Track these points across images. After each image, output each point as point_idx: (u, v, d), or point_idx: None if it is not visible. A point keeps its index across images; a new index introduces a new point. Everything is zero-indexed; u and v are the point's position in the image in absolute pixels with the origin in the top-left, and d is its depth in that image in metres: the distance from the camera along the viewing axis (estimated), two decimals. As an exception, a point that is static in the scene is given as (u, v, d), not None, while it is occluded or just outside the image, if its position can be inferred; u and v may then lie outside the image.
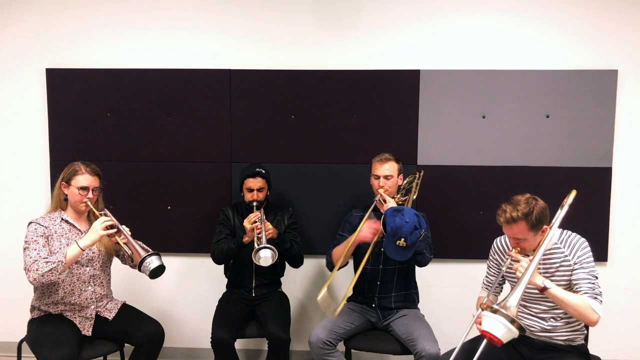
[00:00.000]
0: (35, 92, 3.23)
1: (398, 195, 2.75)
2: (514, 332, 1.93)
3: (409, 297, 2.75)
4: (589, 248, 2.19)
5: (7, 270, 3.25)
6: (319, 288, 3.26)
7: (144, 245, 2.40)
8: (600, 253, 3.07)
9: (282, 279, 3.04)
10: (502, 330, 1.92)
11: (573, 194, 2.30)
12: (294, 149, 3.18)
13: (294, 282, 3.29)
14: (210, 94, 3.17)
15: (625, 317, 3.20)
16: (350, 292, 2.57)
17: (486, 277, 2.50)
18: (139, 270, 2.34)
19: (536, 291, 2.13)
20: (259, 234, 2.58)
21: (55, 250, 2.37)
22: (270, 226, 2.68)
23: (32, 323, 2.49)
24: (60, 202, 2.50)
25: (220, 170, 3.21)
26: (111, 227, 2.36)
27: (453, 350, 2.24)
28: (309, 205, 3.20)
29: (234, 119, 3.18)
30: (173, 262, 3.25)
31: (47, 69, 3.20)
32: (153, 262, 2.31)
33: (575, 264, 2.16)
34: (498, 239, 2.43)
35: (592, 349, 2.32)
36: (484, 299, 2.36)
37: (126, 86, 3.18)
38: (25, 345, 2.49)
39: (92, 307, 2.51)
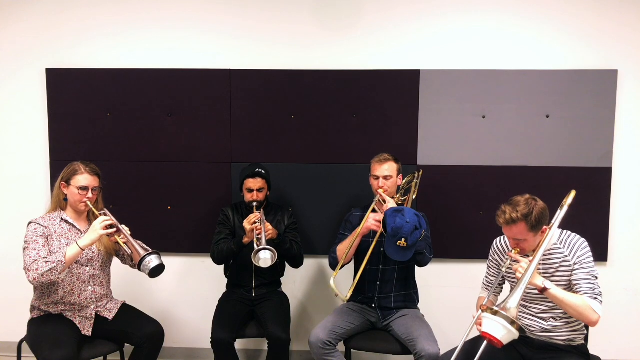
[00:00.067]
0: (35, 92, 3.23)
1: (397, 195, 2.75)
2: (514, 334, 1.93)
3: (409, 297, 2.75)
4: (588, 248, 2.19)
5: (7, 270, 3.25)
6: (319, 288, 3.30)
7: (144, 245, 2.40)
8: (600, 253, 3.07)
9: (282, 279, 3.04)
10: (502, 332, 1.93)
11: (572, 194, 2.30)
12: (294, 149, 3.18)
13: (294, 282, 3.29)
14: (210, 94, 3.17)
15: (625, 317, 3.20)
16: (356, 282, 2.59)
17: (486, 277, 2.50)
18: (139, 269, 2.35)
19: (536, 291, 2.13)
20: (258, 234, 2.58)
21: (55, 250, 2.37)
22: (270, 227, 2.68)
23: (32, 323, 2.49)
24: (60, 202, 2.50)
25: (220, 170, 3.21)
26: (111, 226, 2.36)
27: (453, 350, 2.24)
28: (309, 205, 3.20)
29: (234, 119, 3.18)
30: (173, 262, 3.25)
31: (47, 69, 3.20)
32: (152, 261, 2.31)
33: (575, 264, 2.16)
34: (498, 239, 2.43)
35: (592, 349, 2.32)
36: (484, 299, 2.36)
37: (126, 86, 3.18)
38: (25, 345, 2.49)
39: (92, 307, 2.51)
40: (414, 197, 2.83)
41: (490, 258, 2.46)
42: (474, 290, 2.63)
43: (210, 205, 3.19)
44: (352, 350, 2.68)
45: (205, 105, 3.18)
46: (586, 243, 2.21)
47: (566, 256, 2.19)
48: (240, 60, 3.18)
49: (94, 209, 2.46)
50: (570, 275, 2.17)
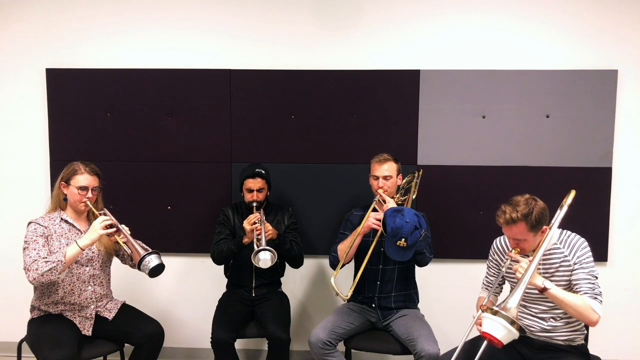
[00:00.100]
0: (35, 92, 3.23)
1: (397, 195, 2.75)
2: (514, 334, 1.93)
3: (409, 297, 2.75)
4: (588, 248, 2.19)
5: (7, 270, 3.25)
6: (319, 288, 3.30)
7: (144, 245, 2.40)
8: (600, 253, 3.07)
9: (282, 279, 3.04)
10: (502, 332, 1.93)
11: (572, 194, 2.30)
12: (294, 149, 3.18)
13: (294, 282, 3.29)
14: (210, 94, 3.17)
15: (625, 317, 3.20)
16: (356, 282, 2.59)
17: (486, 277, 2.50)
18: (139, 269, 2.35)
19: (536, 291, 2.13)
20: (258, 235, 2.58)
21: (55, 250, 2.37)
22: (269, 227, 2.68)
23: (32, 323, 2.49)
24: (60, 202, 2.50)
25: (220, 170, 3.21)
26: (110, 226, 2.36)
27: (453, 350, 2.25)
28: (309, 205, 3.20)
29: (234, 119, 3.18)
30: (173, 262, 3.25)
31: (47, 69, 3.20)
32: (152, 260, 2.32)
33: (575, 264, 2.16)
34: (498, 239, 2.43)
35: (592, 349, 2.32)
36: (484, 299, 2.36)
37: (126, 86, 3.18)
38: (25, 345, 2.49)
39: (92, 307, 2.51)
40: (413, 197, 2.83)
41: (490, 258, 2.46)
42: (474, 290, 2.63)
43: (210, 205, 3.19)
44: (352, 350, 2.68)
45: (205, 105, 3.18)
46: (586, 243, 2.21)
47: (566, 256, 2.19)
48: (240, 60, 3.18)
49: (93, 208, 2.46)
50: (570, 275, 2.17)
